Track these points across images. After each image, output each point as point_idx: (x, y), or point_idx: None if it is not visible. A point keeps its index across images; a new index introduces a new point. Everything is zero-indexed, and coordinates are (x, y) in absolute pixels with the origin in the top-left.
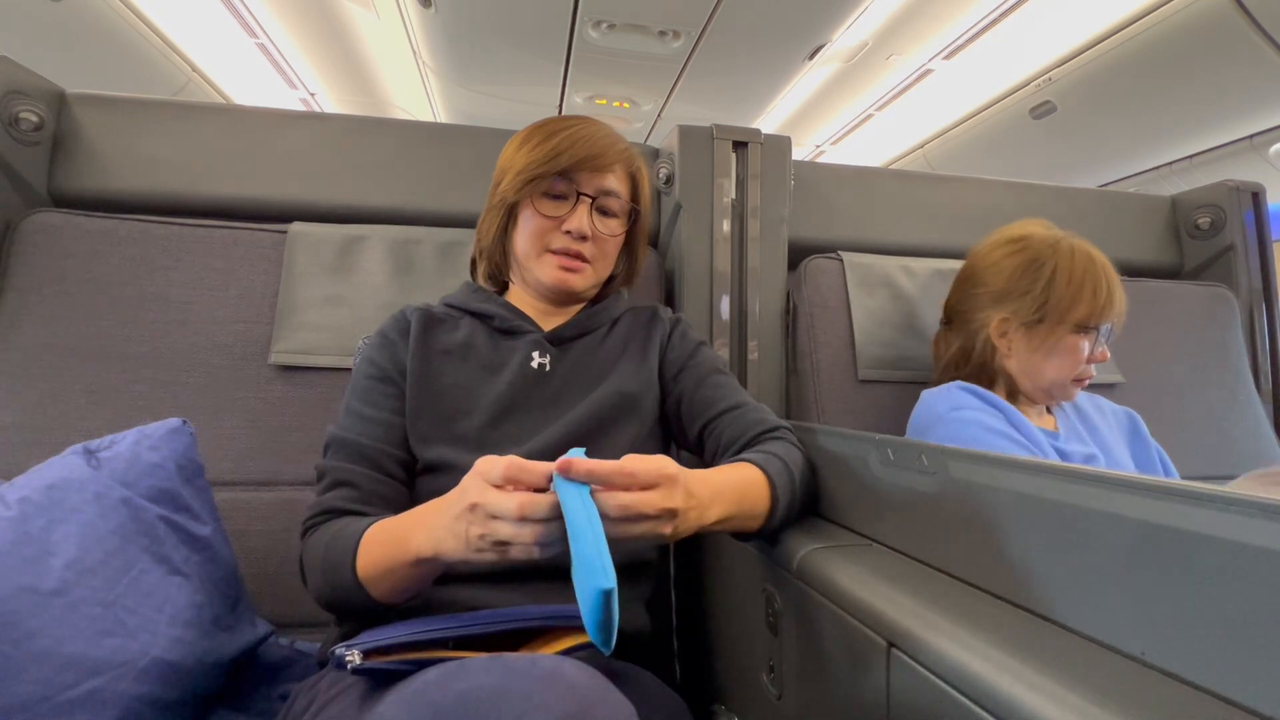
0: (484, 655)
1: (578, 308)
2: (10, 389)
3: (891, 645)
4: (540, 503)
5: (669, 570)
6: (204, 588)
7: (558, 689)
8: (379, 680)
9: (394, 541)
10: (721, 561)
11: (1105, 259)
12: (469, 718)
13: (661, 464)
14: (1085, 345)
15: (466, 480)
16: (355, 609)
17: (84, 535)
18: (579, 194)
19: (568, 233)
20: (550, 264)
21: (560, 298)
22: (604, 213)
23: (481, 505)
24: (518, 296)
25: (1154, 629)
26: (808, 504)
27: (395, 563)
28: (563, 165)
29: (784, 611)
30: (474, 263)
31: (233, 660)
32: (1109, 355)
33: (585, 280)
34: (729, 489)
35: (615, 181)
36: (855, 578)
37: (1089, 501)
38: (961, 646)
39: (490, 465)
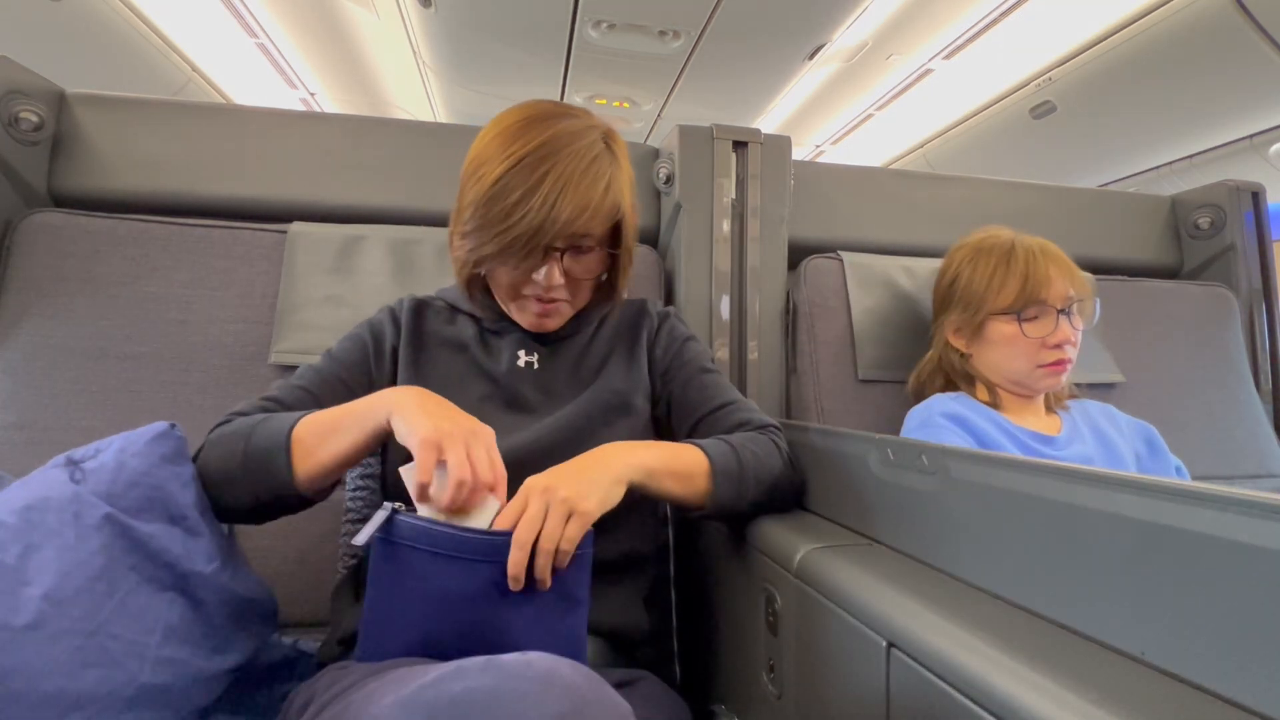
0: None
1: None
2: (10, 389)
3: (891, 645)
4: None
5: (669, 570)
6: (199, 600)
7: (554, 690)
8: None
9: (348, 411)
10: (721, 561)
11: (1044, 246)
12: (465, 718)
13: (524, 489)
14: (1032, 330)
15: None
16: (255, 484)
17: (63, 560)
18: (548, 249)
19: (538, 280)
20: (525, 309)
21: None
22: (578, 251)
23: (485, 437)
24: None
25: (1154, 629)
26: (782, 497)
27: (343, 424)
28: (545, 238)
29: (784, 611)
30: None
31: (233, 669)
32: (1073, 334)
33: (561, 319)
34: (655, 445)
35: (594, 225)
36: (855, 578)
37: (1089, 501)
38: (961, 646)
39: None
